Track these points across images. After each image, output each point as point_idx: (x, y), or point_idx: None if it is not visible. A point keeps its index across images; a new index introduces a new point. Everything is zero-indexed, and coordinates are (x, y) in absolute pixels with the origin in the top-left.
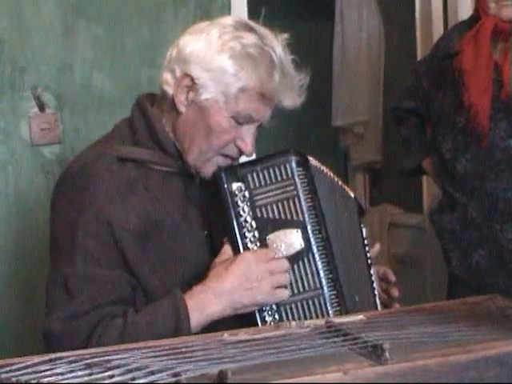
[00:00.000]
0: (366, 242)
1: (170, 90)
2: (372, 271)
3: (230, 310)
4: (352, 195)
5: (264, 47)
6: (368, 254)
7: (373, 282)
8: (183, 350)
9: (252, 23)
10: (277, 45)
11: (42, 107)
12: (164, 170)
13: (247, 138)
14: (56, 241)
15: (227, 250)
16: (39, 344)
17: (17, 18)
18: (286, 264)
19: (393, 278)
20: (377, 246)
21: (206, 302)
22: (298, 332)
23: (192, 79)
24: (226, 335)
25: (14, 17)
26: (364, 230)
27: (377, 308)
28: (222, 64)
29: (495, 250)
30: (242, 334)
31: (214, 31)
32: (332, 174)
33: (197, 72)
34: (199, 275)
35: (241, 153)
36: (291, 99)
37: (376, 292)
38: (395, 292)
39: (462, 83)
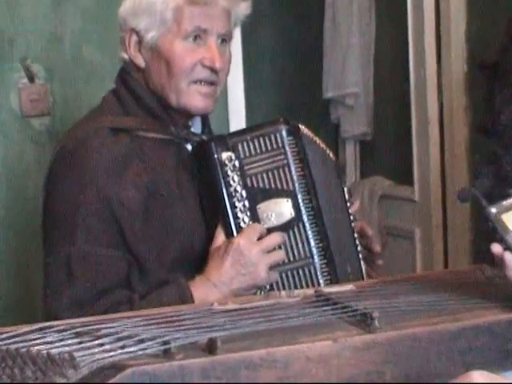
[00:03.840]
0: (348, 204)
1: (126, 56)
2: (356, 236)
3: (231, 296)
4: (333, 159)
5: None
6: (352, 221)
7: (358, 249)
8: (173, 318)
9: None
10: None
11: (31, 78)
12: (157, 137)
13: (211, 54)
14: (55, 221)
15: (220, 233)
16: (28, 315)
17: None
18: (278, 237)
19: (370, 232)
20: (356, 203)
21: (208, 293)
22: (287, 301)
23: (135, 31)
24: (216, 304)
25: None
26: (345, 190)
27: (362, 273)
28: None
29: None
30: (232, 304)
31: None
32: (322, 143)
33: (133, 21)
34: (194, 245)
35: (213, 72)
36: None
37: (361, 256)
38: (376, 247)
39: None
